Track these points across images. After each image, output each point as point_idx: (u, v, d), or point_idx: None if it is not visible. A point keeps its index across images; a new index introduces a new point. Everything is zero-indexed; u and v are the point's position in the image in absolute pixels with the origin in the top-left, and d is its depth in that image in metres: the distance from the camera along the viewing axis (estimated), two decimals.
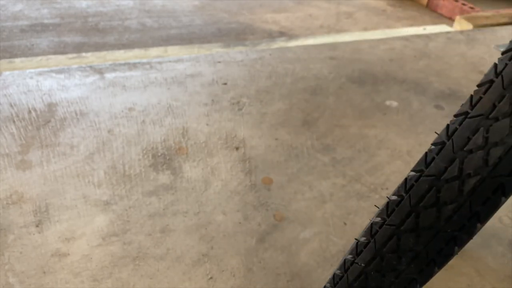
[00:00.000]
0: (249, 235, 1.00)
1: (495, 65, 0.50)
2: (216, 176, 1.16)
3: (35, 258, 0.92)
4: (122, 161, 1.19)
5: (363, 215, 1.06)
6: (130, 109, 1.40)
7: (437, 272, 0.56)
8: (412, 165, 0.68)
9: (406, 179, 0.55)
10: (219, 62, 1.74)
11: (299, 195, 1.11)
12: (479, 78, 1.69)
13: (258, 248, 0.97)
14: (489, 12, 2.36)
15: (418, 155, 1.24)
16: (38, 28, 2.09)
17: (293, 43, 2.03)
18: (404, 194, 0.55)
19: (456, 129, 0.51)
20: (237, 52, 1.83)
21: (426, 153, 0.54)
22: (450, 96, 1.59)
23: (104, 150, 1.22)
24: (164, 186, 1.12)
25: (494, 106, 0.49)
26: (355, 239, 0.61)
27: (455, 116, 0.52)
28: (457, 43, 2.02)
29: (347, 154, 1.26)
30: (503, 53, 0.50)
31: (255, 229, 1.01)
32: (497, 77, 0.49)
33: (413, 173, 0.55)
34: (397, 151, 1.28)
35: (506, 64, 0.49)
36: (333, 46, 1.93)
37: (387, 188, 1.14)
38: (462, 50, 1.95)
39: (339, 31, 2.25)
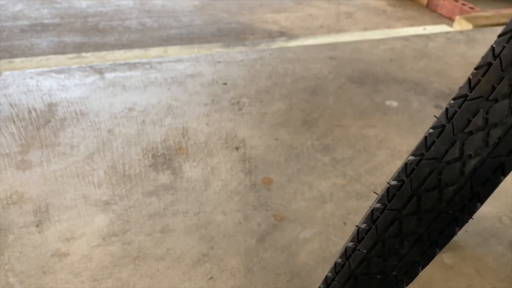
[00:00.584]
0: (249, 235, 1.00)
1: (493, 48, 0.51)
2: (216, 176, 1.16)
3: (35, 258, 0.92)
4: (122, 161, 1.19)
5: (363, 215, 1.05)
6: (130, 109, 1.40)
7: (438, 252, 0.57)
8: None
9: (406, 163, 0.56)
10: (219, 62, 1.74)
11: (299, 195, 1.11)
12: None
13: (258, 248, 0.97)
14: (489, 12, 2.36)
15: None
16: (38, 28, 2.09)
17: (293, 43, 2.03)
18: (405, 179, 0.56)
19: (455, 112, 0.52)
20: (237, 52, 1.83)
21: (425, 136, 0.55)
22: (450, 96, 1.59)
23: (104, 150, 1.22)
24: (164, 186, 1.12)
25: (493, 88, 0.50)
26: (356, 226, 0.62)
27: (454, 99, 0.53)
28: (457, 43, 2.02)
29: (347, 154, 1.26)
30: (499, 36, 0.51)
31: (255, 229, 1.01)
32: (495, 60, 0.50)
33: (412, 157, 0.56)
34: (397, 151, 1.28)
35: (504, 47, 0.50)
36: (333, 46, 1.93)
37: None
38: (462, 50, 1.95)
39: (339, 31, 2.25)
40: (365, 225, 0.60)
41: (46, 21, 2.17)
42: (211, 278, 0.90)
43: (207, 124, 1.36)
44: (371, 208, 0.60)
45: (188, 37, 2.09)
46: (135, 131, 1.31)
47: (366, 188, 1.14)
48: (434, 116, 0.56)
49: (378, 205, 0.59)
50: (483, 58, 0.52)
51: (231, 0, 2.58)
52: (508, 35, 0.50)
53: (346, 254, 0.63)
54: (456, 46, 1.99)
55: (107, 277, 0.89)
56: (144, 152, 1.23)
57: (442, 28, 2.32)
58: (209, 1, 2.55)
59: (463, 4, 2.46)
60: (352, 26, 2.32)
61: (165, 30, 2.16)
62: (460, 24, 2.28)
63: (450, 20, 2.47)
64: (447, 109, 0.54)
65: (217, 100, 1.48)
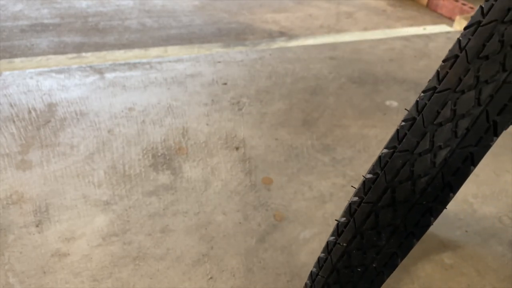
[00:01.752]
0: (249, 235, 1.00)
1: (459, 41, 0.52)
2: (216, 176, 1.16)
3: (35, 258, 0.92)
4: (122, 161, 1.19)
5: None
6: (130, 109, 1.40)
7: (415, 243, 0.58)
8: None
9: (380, 156, 0.57)
10: (219, 62, 1.74)
11: (299, 195, 1.11)
12: None
13: (258, 248, 0.97)
14: None
15: None
16: (38, 28, 2.09)
17: (293, 43, 2.03)
18: (379, 172, 0.56)
19: (425, 104, 0.53)
20: (237, 52, 1.83)
21: (397, 129, 0.56)
22: None
23: (104, 150, 1.22)
24: (164, 186, 1.12)
25: (460, 79, 0.51)
26: (336, 220, 0.63)
27: (423, 92, 0.54)
28: None
29: (347, 154, 1.26)
30: (465, 28, 0.52)
31: (255, 229, 1.01)
32: (461, 52, 0.51)
33: (386, 150, 0.56)
34: None
35: (469, 39, 0.51)
36: (333, 46, 1.93)
37: None
38: None
39: (339, 31, 2.25)
40: (344, 218, 0.61)
41: (46, 21, 2.16)
42: (211, 278, 0.90)
43: (207, 124, 1.36)
44: (349, 202, 0.61)
45: (188, 37, 2.09)
46: (135, 131, 1.31)
47: None
48: (405, 109, 0.56)
49: (355, 198, 0.60)
50: (450, 50, 0.52)
51: (231, 0, 2.58)
52: (473, 27, 0.51)
53: (328, 248, 0.64)
54: None
55: (107, 277, 0.88)
56: (144, 152, 1.23)
57: (442, 28, 2.32)
58: (209, 1, 2.55)
59: (463, 4, 2.46)
60: (352, 26, 2.32)
61: (165, 30, 2.16)
62: (460, 24, 2.28)
63: (450, 20, 2.47)
64: (417, 101, 0.54)
65: (217, 100, 1.48)
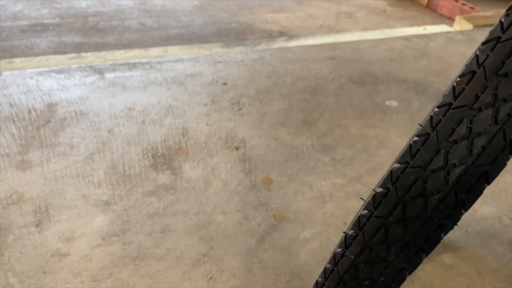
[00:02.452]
0: (249, 235, 1.00)
1: (477, 56, 0.51)
2: (216, 176, 1.16)
3: (35, 258, 0.92)
4: (122, 161, 1.19)
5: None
6: (130, 109, 1.40)
7: (424, 258, 0.58)
8: None
9: (391, 171, 0.56)
10: (219, 62, 1.74)
11: (299, 195, 1.11)
12: None
13: (258, 248, 0.97)
14: (489, 12, 2.35)
15: None
16: (38, 28, 2.09)
17: (293, 43, 2.03)
18: (390, 186, 0.56)
19: (440, 120, 0.52)
20: (237, 52, 1.83)
21: (410, 144, 0.55)
22: None
23: (104, 150, 1.22)
24: (164, 186, 1.12)
25: (477, 97, 0.50)
26: (344, 232, 0.62)
27: (438, 107, 0.53)
28: (457, 43, 2.02)
29: (347, 154, 1.26)
30: (483, 44, 0.51)
31: (255, 229, 1.01)
32: (479, 68, 0.50)
33: (398, 164, 0.56)
34: (397, 151, 1.28)
35: (488, 55, 0.49)
36: (333, 46, 1.93)
37: None
38: (462, 50, 1.95)
39: (339, 31, 2.25)
40: (352, 231, 0.60)
41: (46, 21, 2.16)
42: (211, 278, 0.90)
43: (207, 124, 1.36)
44: (358, 215, 0.60)
45: (188, 37, 2.09)
46: (135, 131, 1.31)
47: (366, 188, 1.14)
48: (419, 124, 0.55)
49: (365, 211, 0.59)
50: (467, 66, 0.51)
51: (231, 0, 2.58)
52: (492, 43, 0.50)
53: (335, 259, 0.63)
54: (456, 46, 1.99)
55: (107, 277, 0.88)
56: (144, 152, 1.23)
57: (442, 28, 2.32)
58: (209, 1, 2.55)
59: (463, 4, 2.46)
60: (352, 26, 2.32)
61: (165, 30, 2.16)
62: (460, 24, 2.28)
63: (450, 20, 2.47)
64: (431, 117, 0.53)
65: (217, 100, 1.48)
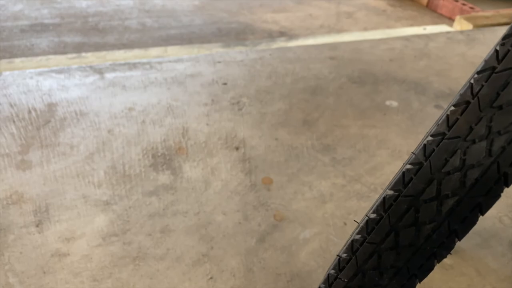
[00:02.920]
0: (249, 235, 1.00)
1: (471, 85, 0.49)
2: (216, 176, 1.16)
3: (35, 258, 0.92)
4: (122, 161, 1.19)
5: (363, 215, 1.05)
6: (130, 109, 1.40)
7: (418, 283, 0.58)
8: None
9: (384, 198, 0.56)
10: (219, 62, 1.74)
11: (299, 195, 1.11)
12: None
13: (258, 248, 0.97)
14: (489, 12, 2.35)
15: None
16: (38, 28, 2.09)
17: (293, 43, 2.03)
18: (383, 213, 0.55)
19: (433, 150, 0.52)
20: (237, 52, 1.83)
21: (403, 172, 0.54)
22: (450, 96, 1.59)
23: (104, 150, 1.22)
24: (164, 186, 1.12)
25: (471, 128, 0.49)
26: (337, 255, 0.62)
27: (432, 136, 0.52)
28: (457, 43, 2.02)
29: (347, 154, 1.26)
30: (478, 73, 0.49)
31: (255, 229, 1.01)
32: (473, 99, 0.49)
33: (391, 192, 0.55)
34: (397, 151, 1.28)
35: (482, 86, 0.48)
36: (333, 46, 1.93)
37: None
38: (462, 50, 1.95)
39: (339, 31, 2.25)
40: (345, 254, 0.60)
41: (46, 21, 2.16)
42: (211, 278, 0.90)
43: (207, 124, 1.36)
44: (351, 238, 0.60)
45: (188, 37, 2.09)
46: (135, 131, 1.31)
47: (366, 188, 1.14)
48: (412, 153, 0.54)
49: (358, 236, 0.58)
50: (461, 95, 0.50)
51: (231, 0, 2.58)
52: (487, 73, 0.48)
53: (329, 281, 0.63)
54: (456, 46, 1.99)
55: (107, 277, 0.88)
56: (144, 152, 1.23)
57: (442, 28, 2.32)
58: (209, 1, 2.55)
59: (463, 4, 2.46)
60: (352, 26, 2.32)
61: (165, 30, 2.16)
62: (460, 24, 2.28)
63: (450, 20, 2.47)
64: (424, 145, 0.53)
65: (217, 100, 1.48)
